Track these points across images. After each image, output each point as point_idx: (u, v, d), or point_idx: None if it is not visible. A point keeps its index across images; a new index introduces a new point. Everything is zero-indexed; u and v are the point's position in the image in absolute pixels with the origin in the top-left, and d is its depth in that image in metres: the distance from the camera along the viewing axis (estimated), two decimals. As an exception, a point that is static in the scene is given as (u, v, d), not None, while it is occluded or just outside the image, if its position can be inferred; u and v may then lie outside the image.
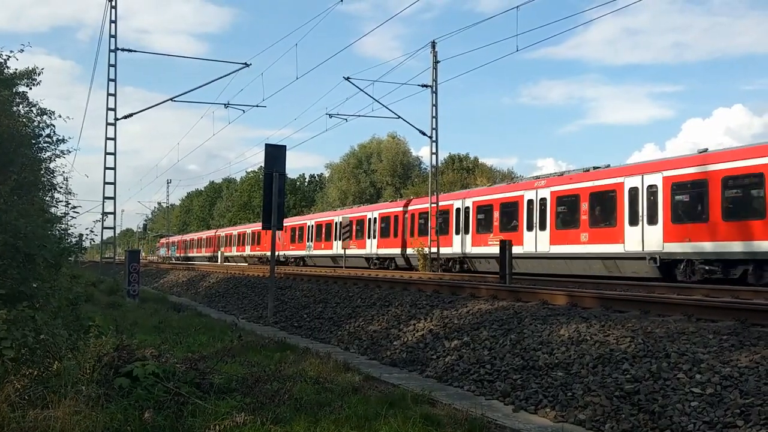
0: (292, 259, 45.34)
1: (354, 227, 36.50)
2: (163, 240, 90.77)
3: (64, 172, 14.28)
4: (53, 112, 13.25)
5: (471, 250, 26.77)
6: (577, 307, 9.67)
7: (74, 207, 8.91)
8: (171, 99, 29.12)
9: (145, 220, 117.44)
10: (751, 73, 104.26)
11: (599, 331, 7.74)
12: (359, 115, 32.95)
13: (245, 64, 27.46)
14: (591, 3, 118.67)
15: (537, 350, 7.72)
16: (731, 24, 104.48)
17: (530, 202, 23.64)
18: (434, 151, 30.96)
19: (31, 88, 14.46)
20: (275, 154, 13.52)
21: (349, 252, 34.78)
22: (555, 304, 10.17)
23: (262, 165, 13.71)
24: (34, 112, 13.63)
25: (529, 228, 23.36)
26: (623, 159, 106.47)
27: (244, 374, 6.91)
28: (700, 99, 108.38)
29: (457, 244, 27.61)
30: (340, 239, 37.69)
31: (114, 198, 26.94)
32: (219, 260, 58.53)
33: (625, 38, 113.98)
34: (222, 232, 64.78)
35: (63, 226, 8.71)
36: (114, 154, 26.43)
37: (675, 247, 17.80)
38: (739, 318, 7.54)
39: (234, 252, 58.08)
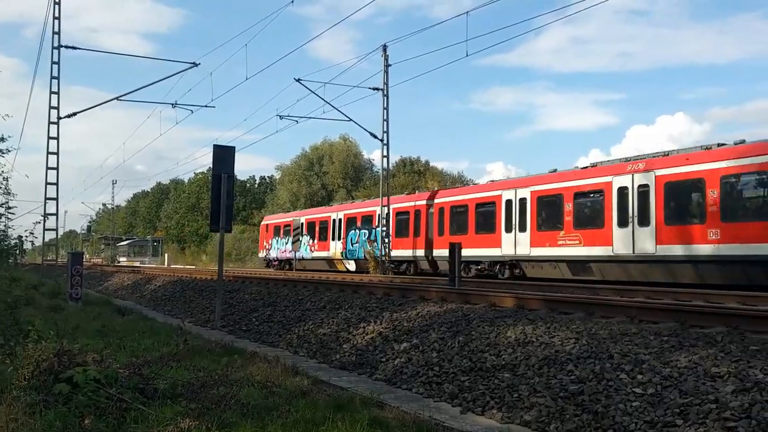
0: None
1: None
2: (279, 219, 43.88)
3: (3, 171, 13.79)
4: (-10, 110, 12.81)
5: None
6: (524, 309, 9.80)
7: (9, 208, 8.63)
8: (117, 98, 28.58)
9: (89, 222, 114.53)
10: (691, 82, 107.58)
11: (545, 332, 7.86)
12: (310, 117, 32.88)
13: (194, 63, 27.17)
14: (540, 10, 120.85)
15: (484, 352, 7.80)
16: (673, 34, 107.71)
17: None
18: (385, 154, 31.13)
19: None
20: (224, 155, 13.34)
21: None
22: (503, 306, 10.29)
23: (211, 166, 13.51)
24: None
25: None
26: (570, 163, 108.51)
27: (189, 379, 6.79)
28: (643, 106, 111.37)
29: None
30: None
31: (56, 199, 26.29)
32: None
33: (573, 47, 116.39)
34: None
35: (1, 227, 8.43)
36: (57, 153, 25.80)
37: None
38: (679, 319, 7.76)
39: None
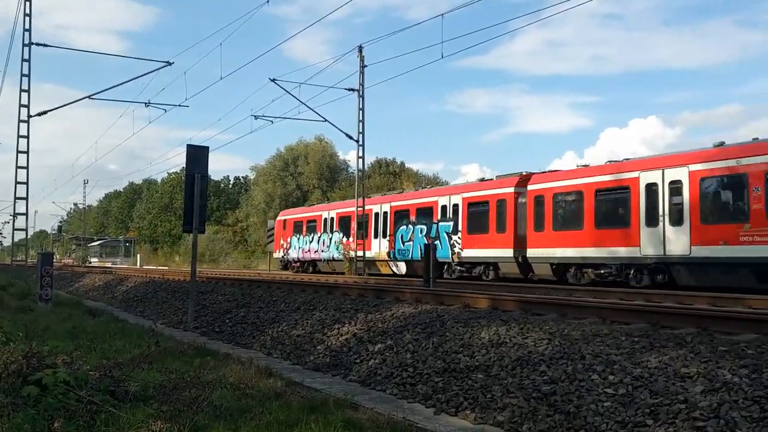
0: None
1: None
2: (302, 213, 39.00)
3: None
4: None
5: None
6: (497, 310, 9.86)
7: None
8: (89, 96, 28.18)
9: (60, 222, 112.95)
10: (664, 86, 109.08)
11: (518, 333, 7.91)
12: (286, 118, 32.76)
13: (167, 62, 26.90)
14: (515, 13, 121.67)
15: (458, 353, 7.83)
16: (647, 39, 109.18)
17: None
18: (361, 155, 31.09)
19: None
20: (197, 155, 13.22)
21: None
22: (477, 307, 10.34)
23: (184, 166, 13.38)
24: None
25: None
26: (544, 165, 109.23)
27: (161, 381, 6.71)
28: (617, 109, 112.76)
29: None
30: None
31: (26, 198, 25.88)
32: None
33: (548, 50, 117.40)
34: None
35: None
36: (27, 152, 25.39)
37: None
38: (650, 320, 7.86)
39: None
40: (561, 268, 21.35)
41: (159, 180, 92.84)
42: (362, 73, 30.52)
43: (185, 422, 5.08)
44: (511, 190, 23.32)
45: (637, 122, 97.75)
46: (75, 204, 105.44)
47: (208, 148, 13.47)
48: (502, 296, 11.12)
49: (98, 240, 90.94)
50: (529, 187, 22.55)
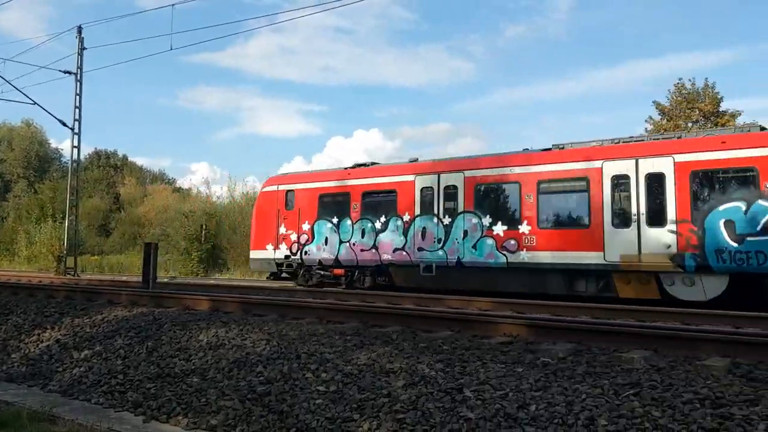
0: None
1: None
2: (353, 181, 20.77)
3: None
4: None
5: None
6: (218, 311, 9.73)
7: None
8: None
9: None
10: (386, 102, 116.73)
11: (237, 335, 7.88)
12: (-15, 96, 28.92)
13: None
14: (252, 13, 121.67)
15: (174, 357, 7.55)
16: (372, 55, 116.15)
17: None
18: (76, 144, 28.69)
19: None
20: None
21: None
22: (197, 309, 10.10)
23: None
24: None
25: None
26: (276, 168, 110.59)
27: None
28: (343, 120, 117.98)
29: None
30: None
31: None
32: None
33: (281, 55, 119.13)
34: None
35: None
36: None
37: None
38: (362, 320, 8.35)
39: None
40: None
41: None
42: (81, 55, 28.21)
43: None
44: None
45: (362, 133, 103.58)
46: None
47: None
48: (222, 297, 10.99)
49: None
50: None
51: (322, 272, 20.42)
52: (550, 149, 17.18)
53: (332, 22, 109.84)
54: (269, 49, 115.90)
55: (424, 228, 18.39)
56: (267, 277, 22.69)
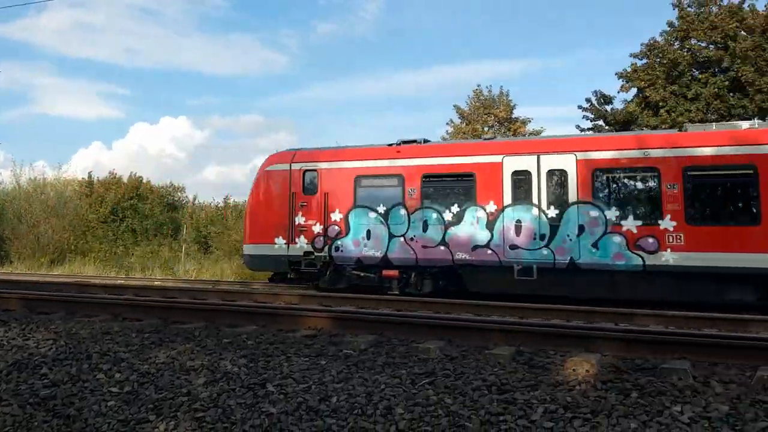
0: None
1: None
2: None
3: None
4: None
5: None
6: (-4, 309, 8.83)
7: None
8: None
9: None
10: (195, 89, 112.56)
11: (19, 335, 7.21)
12: None
13: None
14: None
15: (-60, 361, 6.72)
16: (180, 40, 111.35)
17: None
18: None
19: None
20: None
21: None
22: (-30, 307, 9.08)
23: None
24: None
25: None
26: (71, 153, 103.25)
27: None
28: (148, 105, 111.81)
29: None
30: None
31: None
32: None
33: (80, 32, 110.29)
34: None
35: None
36: None
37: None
38: (163, 316, 7.99)
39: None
40: None
41: None
42: None
43: None
44: None
45: (169, 120, 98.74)
46: None
47: None
48: (1, 293, 9.98)
49: None
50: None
51: (361, 273, 16.40)
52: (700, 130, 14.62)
53: (137, 1, 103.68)
54: (66, 25, 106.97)
55: (518, 221, 14.95)
56: (269, 279, 18.08)
